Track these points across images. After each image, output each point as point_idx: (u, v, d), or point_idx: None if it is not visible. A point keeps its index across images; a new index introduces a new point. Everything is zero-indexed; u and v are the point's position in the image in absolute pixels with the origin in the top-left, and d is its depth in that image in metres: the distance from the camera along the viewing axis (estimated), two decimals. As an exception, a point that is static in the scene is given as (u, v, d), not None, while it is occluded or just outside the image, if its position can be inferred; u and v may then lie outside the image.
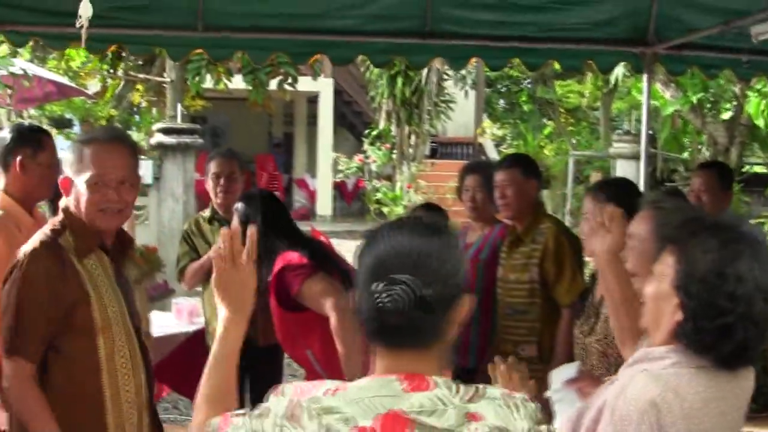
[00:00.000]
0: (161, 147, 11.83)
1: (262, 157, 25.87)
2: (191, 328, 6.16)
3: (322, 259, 4.57)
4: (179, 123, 12.40)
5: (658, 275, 2.39)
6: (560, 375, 3.45)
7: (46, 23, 5.99)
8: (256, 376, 5.47)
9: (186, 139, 11.81)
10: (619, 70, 12.34)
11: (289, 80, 12.59)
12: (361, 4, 6.24)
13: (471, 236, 5.58)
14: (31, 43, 7.52)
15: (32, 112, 14.34)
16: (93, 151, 3.31)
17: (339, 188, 23.56)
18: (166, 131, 11.93)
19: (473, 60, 6.97)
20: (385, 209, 19.99)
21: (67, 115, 15.96)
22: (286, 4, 6.19)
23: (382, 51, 6.64)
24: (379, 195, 20.62)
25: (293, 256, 4.54)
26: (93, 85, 15.50)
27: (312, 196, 23.78)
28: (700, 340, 2.27)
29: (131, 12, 6.08)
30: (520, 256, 5.08)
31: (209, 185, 5.66)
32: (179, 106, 13.09)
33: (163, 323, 6.18)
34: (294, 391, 1.97)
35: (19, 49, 10.96)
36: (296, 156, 26.62)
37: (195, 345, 5.84)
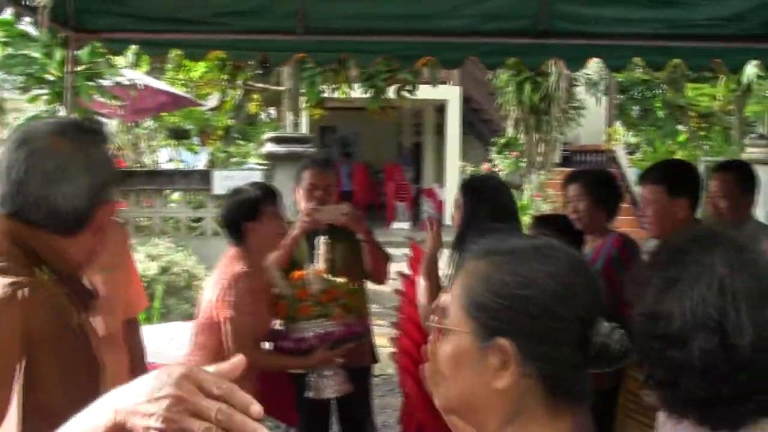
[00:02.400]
0: (272, 156, 11.66)
1: (391, 167, 25.76)
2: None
3: None
4: (290, 132, 12.24)
5: None
6: None
7: (144, 30, 5.86)
8: (344, 400, 5.19)
9: (297, 148, 11.58)
10: (752, 71, 11.66)
11: (408, 87, 12.34)
12: (471, 3, 5.85)
13: (587, 247, 5.02)
14: (132, 51, 7.44)
15: (149, 123, 14.54)
16: None
17: (467, 197, 23.14)
18: (277, 140, 11.75)
19: (592, 60, 6.51)
20: (512, 219, 19.51)
21: (186, 126, 16.09)
22: (391, 5, 5.85)
23: (494, 52, 6.26)
24: (506, 204, 20.12)
25: None
26: (213, 97, 15.62)
27: (440, 206, 23.47)
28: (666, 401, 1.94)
29: (233, 17, 5.87)
30: None
31: (301, 195, 5.22)
32: (303, 115, 12.98)
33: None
34: None
35: (124, 59, 10.97)
36: (425, 165, 26.40)
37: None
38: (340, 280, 4.69)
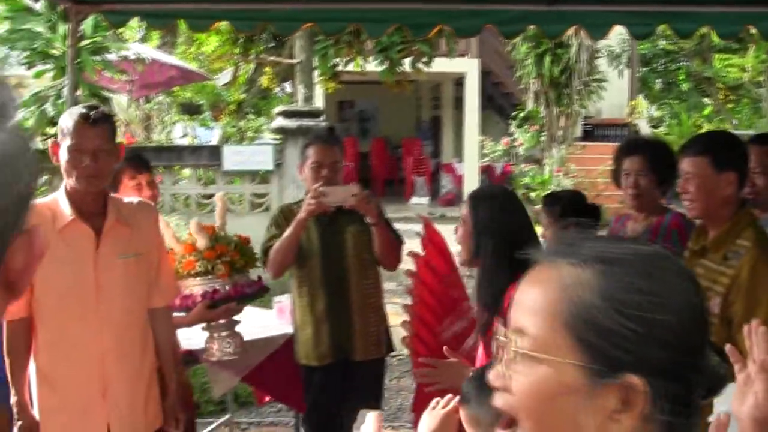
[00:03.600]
0: (282, 131, 11.34)
1: (409, 142, 25.46)
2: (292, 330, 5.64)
3: None
4: (301, 106, 11.94)
5: None
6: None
7: (145, 1, 5.62)
8: (355, 392, 4.97)
9: (308, 122, 11.25)
10: (785, 39, 11.25)
11: (424, 59, 12.00)
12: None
13: (634, 227, 4.66)
14: (137, 25, 7.25)
15: (160, 98, 14.31)
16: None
17: (487, 172, 22.87)
18: (288, 114, 11.43)
19: (614, 29, 6.12)
20: (532, 194, 19.20)
21: (198, 101, 15.85)
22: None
23: (512, 20, 5.92)
24: (526, 179, 19.82)
25: None
26: (227, 72, 15.38)
27: (459, 181, 23.14)
28: None
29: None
30: (702, 271, 3.77)
31: (306, 174, 4.96)
32: (317, 89, 12.68)
33: (264, 323, 5.77)
34: None
35: (131, 33, 10.77)
36: (444, 140, 26.08)
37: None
38: (233, 236, 4.50)
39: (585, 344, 1.23)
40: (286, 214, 5.02)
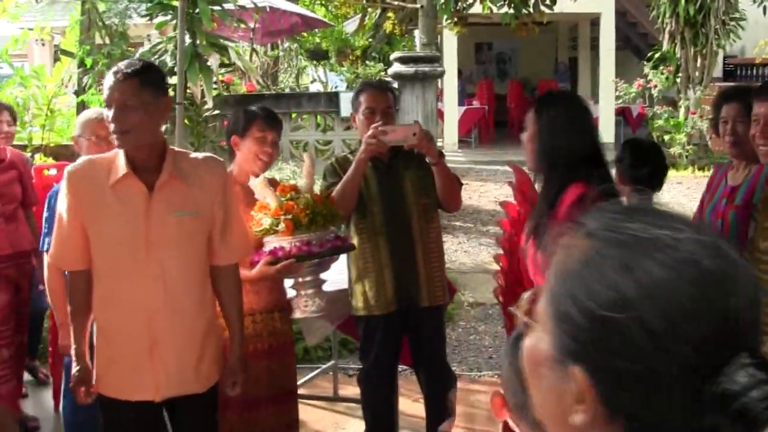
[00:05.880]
0: (399, 77, 11.31)
1: (545, 83, 25.09)
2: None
3: None
4: (418, 51, 11.88)
5: None
6: None
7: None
8: (419, 338, 5.00)
9: (425, 67, 11.19)
10: None
11: (548, 1, 11.75)
12: None
13: (735, 178, 4.55)
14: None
15: (287, 44, 14.44)
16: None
17: (624, 114, 22.38)
18: (404, 60, 11.39)
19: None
20: (666, 137, 18.72)
21: (324, 47, 15.93)
22: None
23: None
24: (660, 122, 19.30)
25: None
26: (354, 19, 15.40)
27: (594, 122, 22.73)
28: None
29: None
30: None
31: (360, 120, 4.96)
32: (446, 33, 12.55)
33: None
34: None
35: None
36: (580, 81, 25.64)
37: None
38: (306, 195, 4.35)
39: (554, 323, 1.19)
40: (342, 163, 5.00)
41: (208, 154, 4.21)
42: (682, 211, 1.21)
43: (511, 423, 2.12)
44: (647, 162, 4.91)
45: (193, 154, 4.02)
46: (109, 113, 3.65)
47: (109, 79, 3.67)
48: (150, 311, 3.71)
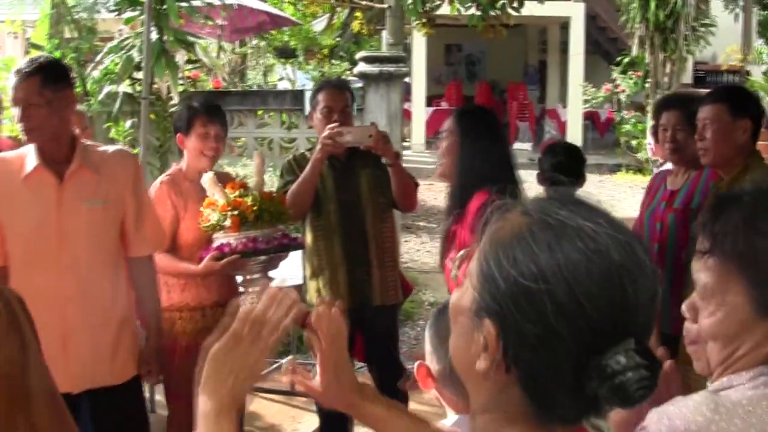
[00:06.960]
0: (364, 76, 11.29)
1: (514, 86, 25.22)
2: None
3: None
4: (383, 51, 11.88)
5: None
6: None
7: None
8: (372, 336, 5.03)
9: (389, 68, 11.17)
10: None
11: (514, 4, 11.82)
12: None
13: (674, 182, 4.69)
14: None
15: (255, 42, 14.45)
16: None
17: (592, 118, 22.53)
18: (370, 60, 11.36)
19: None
20: (633, 142, 18.85)
21: (292, 45, 15.94)
22: None
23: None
24: (627, 127, 19.42)
25: None
26: (323, 18, 15.43)
27: (562, 126, 22.86)
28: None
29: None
30: None
31: (318, 119, 5.02)
32: (415, 34, 12.57)
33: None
34: None
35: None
36: (549, 85, 25.77)
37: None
38: (255, 192, 4.38)
39: (479, 281, 1.36)
40: (299, 161, 5.04)
41: (119, 146, 4.32)
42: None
43: (434, 393, 2.34)
44: (566, 161, 5.27)
45: (104, 147, 4.13)
46: (16, 112, 3.73)
47: (12, 79, 3.76)
48: (63, 301, 3.76)
